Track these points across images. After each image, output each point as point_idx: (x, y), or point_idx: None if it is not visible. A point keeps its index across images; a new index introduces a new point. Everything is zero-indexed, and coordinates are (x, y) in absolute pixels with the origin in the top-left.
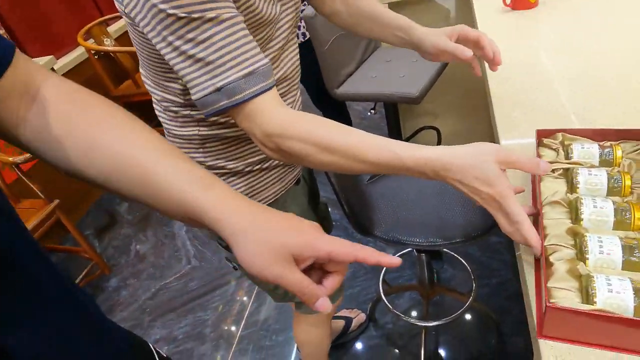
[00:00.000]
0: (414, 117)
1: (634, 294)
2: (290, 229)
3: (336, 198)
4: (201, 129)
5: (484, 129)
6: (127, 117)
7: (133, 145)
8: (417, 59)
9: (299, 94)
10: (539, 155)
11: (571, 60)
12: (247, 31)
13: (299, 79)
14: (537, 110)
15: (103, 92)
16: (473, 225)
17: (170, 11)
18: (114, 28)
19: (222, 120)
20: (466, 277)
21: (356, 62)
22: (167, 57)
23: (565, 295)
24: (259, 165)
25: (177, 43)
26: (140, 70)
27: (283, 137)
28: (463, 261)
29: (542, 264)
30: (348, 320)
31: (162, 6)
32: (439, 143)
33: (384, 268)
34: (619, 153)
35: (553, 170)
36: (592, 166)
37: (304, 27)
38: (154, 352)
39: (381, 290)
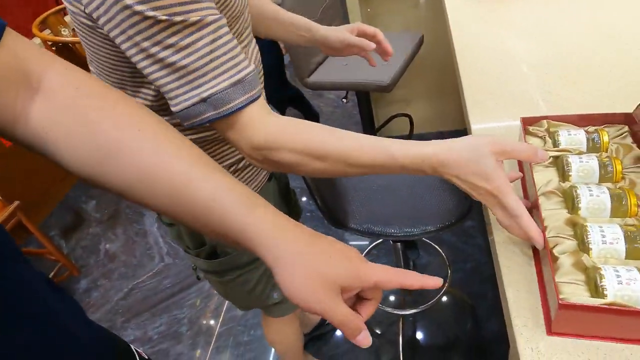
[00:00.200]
0: (386, 105)
1: None
2: (338, 257)
3: (308, 191)
4: None
5: (456, 115)
6: (156, 120)
7: (166, 154)
8: None
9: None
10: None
11: (539, 46)
12: (231, 35)
13: (262, 72)
14: (506, 95)
15: None
16: (448, 214)
17: (149, 13)
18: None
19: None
20: (441, 263)
21: None
22: (140, 65)
23: (573, 289)
24: (234, 167)
25: (154, 50)
26: (94, 72)
27: (272, 149)
28: (438, 248)
29: (548, 258)
30: None
31: (138, 7)
32: (411, 130)
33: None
34: (605, 138)
35: None
36: (581, 152)
37: None
38: (134, 352)
39: None
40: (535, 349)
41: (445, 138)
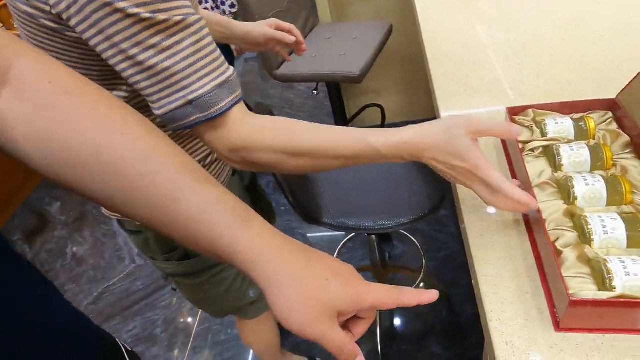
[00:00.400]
0: (357, 95)
1: None
2: (335, 281)
3: (279, 188)
4: None
5: (426, 103)
6: (141, 122)
7: (151, 162)
8: (356, 36)
9: None
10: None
11: (507, 34)
12: (211, 37)
13: None
14: (475, 83)
15: None
16: (421, 204)
17: (131, 10)
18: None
19: None
20: (416, 253)
21: None
22: (119, 68)
23: (578, 283)
24: (201, 163)
25: (135, 51)
26: None
27: (249, 150)
28: (412, 238)
29: (552, 252)
30: None
31: (120, 4)
32: (383, 120)
33: (338, 247)
34: (592, 124)
35: (533, 150)
36: (570, 141)
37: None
38: (121, 345)
39: None
40: (509, 342)
41: None
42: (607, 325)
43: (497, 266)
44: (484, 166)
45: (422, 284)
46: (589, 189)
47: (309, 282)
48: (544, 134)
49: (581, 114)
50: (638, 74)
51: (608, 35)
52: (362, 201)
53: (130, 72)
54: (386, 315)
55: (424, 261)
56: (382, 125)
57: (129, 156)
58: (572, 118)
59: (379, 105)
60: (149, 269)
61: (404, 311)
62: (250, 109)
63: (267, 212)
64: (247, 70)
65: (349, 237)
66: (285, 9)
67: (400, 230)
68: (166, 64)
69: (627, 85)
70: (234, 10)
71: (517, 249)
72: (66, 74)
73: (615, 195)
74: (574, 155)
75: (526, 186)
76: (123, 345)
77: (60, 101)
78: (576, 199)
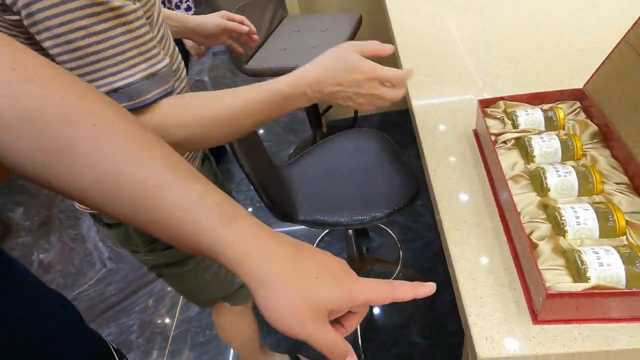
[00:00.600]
0: None
1: (622, 262)
2: (326, 278)
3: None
4: None
5: None
6: (115, 111)
7: (128, 155)
8: (326, 28)
9: (184, 74)
10: (486, 127)
11: (476, 26)
12: (148, 27)
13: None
14: (446, 74)
15: None
16: (396, 197)
17: None
18: None
19: None
20: (392, 244)
21: (263, 33)
22: (46, 44)
23: (554, 275)
24: None
25: (62, 29)
26: None
27: (163, 129)
28: (388, 229)
29: (528, 246)
30: None
31: None
32: (356, 112)
33: (315, 242)
34: (561, 115)
35: (505, 142)
36: (541, 132)
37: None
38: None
39: None
40: (489, 337)
41: (392, 118)
42: (583, 316)
43: (474, 261)
44: (379, 67)
45: (400, 275)
46: (561, 180)
47: (298, 282)
48: (515, 126)
49: (550, 105)
50: (602, 63)
51: (574, 25)
52: (337, 196)
53: (57, 50)
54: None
55: (400, 252)
56: (355, 117)
57: (104, 148)
58: (542, 109)
59: None
60: (121, 272)
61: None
62: None
63: None
64: (216, 65)
65: (326, 231)
66: (252, 1)
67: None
68: (95, 48)
69: (593, 74)
70: (190, 13)
71: (494, 243)
72: (30, 60)
73: (586, 185)
74: (545, 147)
75: (501, 179)
76: (110, 343)
77: (24, 89)
78: (549, 191)
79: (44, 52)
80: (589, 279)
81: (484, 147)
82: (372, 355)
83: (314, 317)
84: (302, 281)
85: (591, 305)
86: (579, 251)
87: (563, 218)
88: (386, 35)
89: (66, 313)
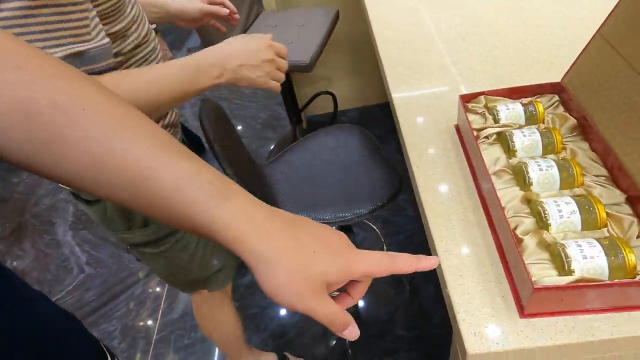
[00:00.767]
0: (308, 84)
1: (605, 254)
2: (324, 252)
3: None
4: None
5: (379, 89)
6: (103, 93)
7: (119, 137)
8: (303, 23)
9: (159, 55)
10: (468, 123)
11: (453, 20)
12: (85, 6)
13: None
14: (424, 69)
15: None
16: (379, 192)
17: None
18: None
19: None
20: (376, 238)
21: (239, 29)
22: None
23: (539, 269)
24: None
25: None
26: None
27: None
28: (370, 224)
29: (513, 241)
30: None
31: None
32: (335, 107)
33: None
34: (541, 108)
35: (487, 137)
36: (521, 126)
37: None
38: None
39: None
40: (477, 333)
41: (371, 113)
42: (568, 308)
43: (460, 257)
44: (269, 36)
45: None
46: (543, 174)
47: (295, 257)
48: (496, 120)
49: (530, 98)
50: (579, 56)
51: (550, 18)
52: (320, 194)
53: None
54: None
55: (384, 246)
56: (335, 112)
57: (95, 132)
58: (521, 103)
59: (330, 93)
60: (101, 277)
61: (368, 297)
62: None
63: None
64: None
65: None
66: None
67: None
68: (21, 21)
69: (570, 68)
70: None
71: (479, 238)
72: (11, 44)
73: (567, 179)
74: (527, 141)
75: (484, 174)
76: (104, 345)
77: (8, 76)
78: (531, 185)
79: None
80: (573, 271)
81: (466, 142)
82: (358, 350)
83: (312, 291)
84: (299, 257)
85: (576, 297)
86: (563, 245)
87: (546, 212)
88: (364, 30)
89: (58, 313)
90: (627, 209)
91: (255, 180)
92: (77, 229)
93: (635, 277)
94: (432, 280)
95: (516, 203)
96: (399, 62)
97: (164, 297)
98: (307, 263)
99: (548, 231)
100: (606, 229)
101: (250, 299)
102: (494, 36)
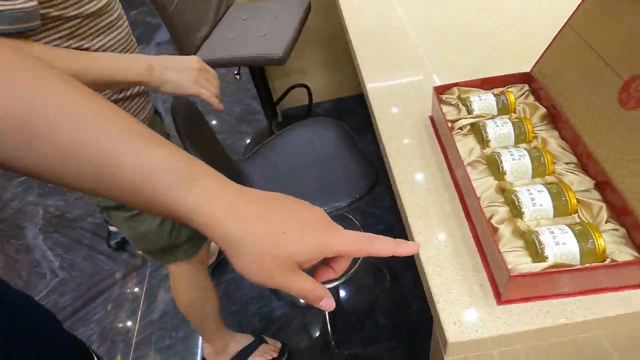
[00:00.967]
0: (282, 76)
1: (575, 239)
2: (295, 231)
3: None
4: None
5: (353, 81)
6: (69, 84)
7: (87, 126)
8: (275, 15)
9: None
10: (443, 114)
11: (424, 11)
12: None
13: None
14: (398, 60)
15: None
16: (356, 185)
17: None
18: None
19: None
20: (355, 229)
21: (210, 22)
22: None
23: (515, 257)
24: (122, 94)
25: None
26: None
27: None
28: (349, 216)
29: (489, 230)
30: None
31: None
32: (310, 99)
33: None
34: (512, 98)
35: (461, 128)
36: (494, 116)
37: None
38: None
39: None
40: (457, 322)
41: (346, 105)
42: (543, 293)
43: (438, 248)
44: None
45: (363, 262)
46: (516, 163)
47: (263, 240)
48: (469, 111)
49: (501, 89)
50: (548, 46)
51: (520, 8)
52: (298, 188)
53: None
54: (332, 294)
55: None
56: (310, 104)
57: (62, 122)
58: (493, 93)
59: (305, 86)
60: (75, 281)
61: (349, 289)
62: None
63: None
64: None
65: None
66: None
67: None
68: None
69: (540, 58)
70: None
71: (455, 229)
72: None
73: (539, 167)
74: (499, 131)
75: (460, 165)
76: (90, 348)
77: None
78: (505, 174)
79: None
80: (547, 258)
81: (441, 134)
82: (340, 340)
83: (283, 270)
84: (268, 238)
85: (549, 283)
86: (537, 232)
87: (520, 200)
88: (337, 21)
89: (48, 314)
90: (596, 194)
91: (231, 177)
92: (48, 232)
93: (604, 261)
94: (411, 269)
95: (491, 193)
96: (372, 54)
97: (142, 298)
98: (276, 244)
99: (522, 219)
100: (577, 215)
101: (234, 294)
102: (467, 27)
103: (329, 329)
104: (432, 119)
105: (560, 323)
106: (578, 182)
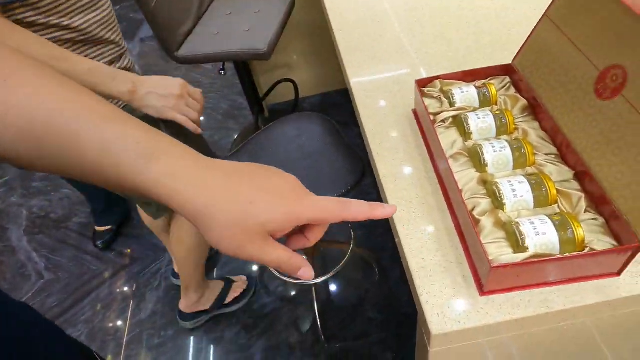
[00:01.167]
0: (267, 71)
1: (555, 229)
2: (263, 201)
3: None
4: None
5: (338, 75)
6: (24, 62)
7: (43, 102)
8: (259, 10)
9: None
10: (425, 108)
11: (408, 4)
12: None
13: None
14: (382, 53)
15: None
16: (344, 178)
17: None
18: None
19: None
20: (344, 224)
21: (193, 17)
22: None
23: (496, 248)
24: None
25: None
26: None
27: None
28: None
29: (471, 222)
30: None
31: None
32: (296, 94)
33: None
34: (493, 91)
35: (444, 121)
36: (476, 109)
37: None
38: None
39: None
40: (441, 314)
41: (332, 99)
42: (524, 283)
43: (422, 240)
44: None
45: (352, 256)
46: (497, 155)
47: (231, 210)
48: (451, 104)
49: (483, 81)
50: (528, 38)
51: (502, 1)
52: None
53: None
54: (322, 292)
55: (351, 232)
56: (296, 99)
57: (26, 104)
58: (475, 86)
59: (291, 81)
60: (62, 282)
61: (338, 284)
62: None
63: None
64: (146, 52)
65: None
66: None
67: None
68: None
69: (520, 49)
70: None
71: (439, 221)
72: None
73: (520, 158)
74: (481, 123)
75: (442, 158)
76: (95, 351)
77: None
78: (487, 166)
79: None
80: (527, 248)
81: (423, 126)
82: (330, 335)
83: (253, 241)
84: (235, 209)
85: (530, 272)
86: (517, 223)
87: (501, 192)
88: (320, 16)
89: (47, 321)
90: (575, 184)
91: None
92: (33, 233)
93: (584, 250)
94: (398, 264)
95: (473, 185)
96: (356, 48)
97: (132, 297)
98: (244, 213)
99: (503, 210)
100: (557, 205)
101: None
102: (450, 19)
103: (319, 323)
104: (415, 112)
105: (541, 312)
106: (557, 173)
